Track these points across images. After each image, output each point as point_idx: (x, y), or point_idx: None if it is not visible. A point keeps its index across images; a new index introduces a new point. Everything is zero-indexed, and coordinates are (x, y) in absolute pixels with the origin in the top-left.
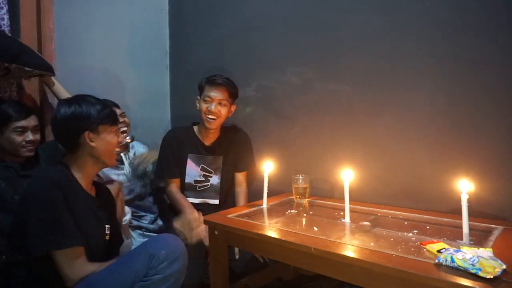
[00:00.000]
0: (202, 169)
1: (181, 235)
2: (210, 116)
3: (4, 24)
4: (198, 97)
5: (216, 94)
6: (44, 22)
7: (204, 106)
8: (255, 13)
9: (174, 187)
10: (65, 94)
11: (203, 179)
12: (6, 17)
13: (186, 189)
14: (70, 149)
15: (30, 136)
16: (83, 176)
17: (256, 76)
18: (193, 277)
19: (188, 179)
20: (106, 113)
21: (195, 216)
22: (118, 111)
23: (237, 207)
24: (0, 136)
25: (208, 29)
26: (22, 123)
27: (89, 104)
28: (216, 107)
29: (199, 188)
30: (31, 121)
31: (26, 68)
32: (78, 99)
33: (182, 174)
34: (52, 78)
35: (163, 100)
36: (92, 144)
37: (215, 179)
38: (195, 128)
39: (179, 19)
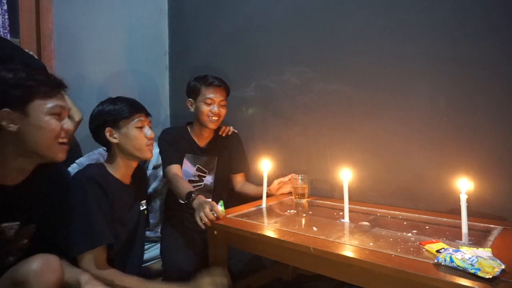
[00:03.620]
0: (198, 170)
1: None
2: (214, 118)
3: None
4: (191, 99)
5: (217, 95)
6: (43, 22)
7: (206, 108)
8: (255, 13)
9: (173, 172)
10: None
11: (197, 179)
12: (1, 17)
13: None
14: (104, 146)
15: None
16: (117, 170)
17: (256, 76)
18: (189, 264)
19: None
20: (121, 108)
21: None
22: None
23: (237, 207)
24: None
25: (207, 29)
26: None
27: (109, 102)
28: (218, 108)
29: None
30: None
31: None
32: (106, 100)
33: None
34: None
35: (163, 100)
36: (114, 140)
37: (208, 179)
38: (189, 128)
39: (179, 19)
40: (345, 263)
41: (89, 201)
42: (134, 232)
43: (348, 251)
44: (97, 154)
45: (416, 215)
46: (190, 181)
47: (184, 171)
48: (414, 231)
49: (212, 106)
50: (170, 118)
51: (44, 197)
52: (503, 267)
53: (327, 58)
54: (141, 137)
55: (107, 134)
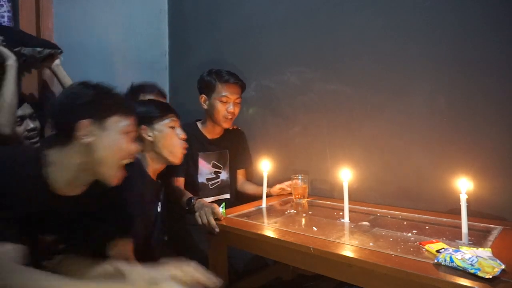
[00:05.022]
0: (214, 166)
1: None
2: (229, 117)
3: (4, 22)
4: (204, 95)
5: (233, 93)
6: (43, 22)
7: (222, 107)
8: (255, 13)
9: (176, 184)
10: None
11: (214, 176)
12: (6, 15)
13: (200, 189)
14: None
15: (30, 124)
16: (149, 169)
17: (256, 76)
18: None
19: (201, 179)
20: (152, 108)
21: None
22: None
23: (237, 207)
24: None
25: (207, 29)
26: (18, 112)
27: (138, 104)
28: (234, 107)
29: (211, 186)
30: (26, 109)
31: (38, 49)
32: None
33: (194, 174)
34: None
35: None
36: (149, 138)
37: (224, 174)
38: (199, 125)
39: (179, 19)
40: (345, 263)
41: None
42: (152, 227)
43: (348, 251)
44: None
45: (416, 215)
46: (208, 179)
47: (201, 170)
48: (414, 231)
49: (228, 105)
50: None
51: (91, 218)
52: (503, 267)
53: (327, 58)
54: (174, 137)
55: (142, 132)
